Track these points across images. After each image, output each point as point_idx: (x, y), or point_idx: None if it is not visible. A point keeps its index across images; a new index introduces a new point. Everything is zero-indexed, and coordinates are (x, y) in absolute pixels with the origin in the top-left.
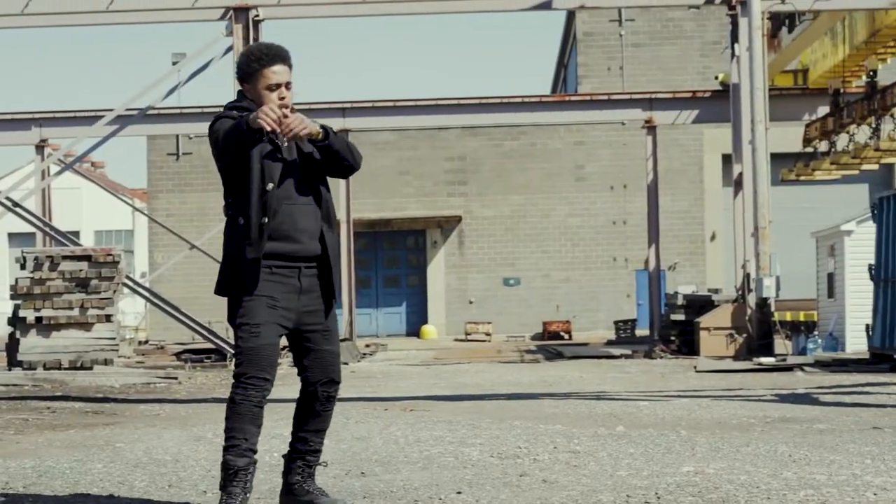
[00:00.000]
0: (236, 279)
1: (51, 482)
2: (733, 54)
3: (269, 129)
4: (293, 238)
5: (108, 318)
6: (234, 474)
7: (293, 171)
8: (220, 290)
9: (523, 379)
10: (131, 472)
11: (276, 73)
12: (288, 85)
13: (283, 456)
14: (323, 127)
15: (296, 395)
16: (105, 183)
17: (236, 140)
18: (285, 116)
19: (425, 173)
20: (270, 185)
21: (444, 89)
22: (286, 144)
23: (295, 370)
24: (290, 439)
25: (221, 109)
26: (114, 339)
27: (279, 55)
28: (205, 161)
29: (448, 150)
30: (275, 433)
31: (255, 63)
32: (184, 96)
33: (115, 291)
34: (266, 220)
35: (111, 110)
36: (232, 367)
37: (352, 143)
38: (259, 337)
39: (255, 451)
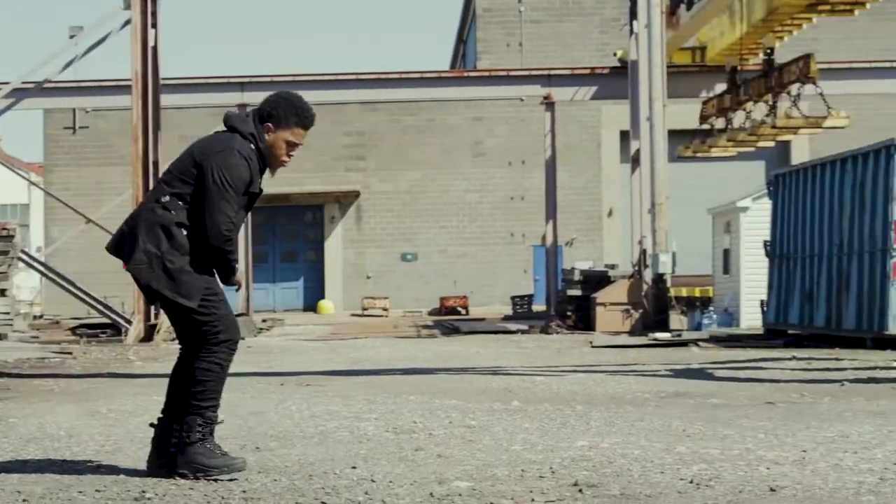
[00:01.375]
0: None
1: None
2: (632, 31)
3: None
4: None
5: (2, 292)
6: (213, 428)
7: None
8: (116, 251)
9: (419, 354)
10: (24, 446)
11: (303, 136)
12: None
13: (154, 424)
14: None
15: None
16: (0, 157)
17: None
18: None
19: (324, 148)
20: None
21: (343, 64)
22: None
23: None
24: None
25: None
26: (8, 313)
27: (313, 122)
28: (102, 135)
29: (347, 125)
30: None
31: (295, 117)
32: (81, 69)
33: (9, 266)
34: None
35: (7, 83)
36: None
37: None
38: (227, 304)
39: None
